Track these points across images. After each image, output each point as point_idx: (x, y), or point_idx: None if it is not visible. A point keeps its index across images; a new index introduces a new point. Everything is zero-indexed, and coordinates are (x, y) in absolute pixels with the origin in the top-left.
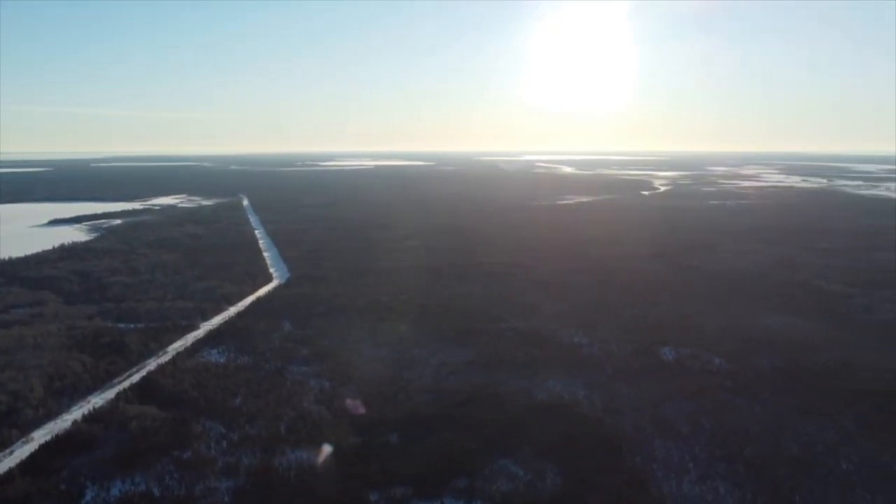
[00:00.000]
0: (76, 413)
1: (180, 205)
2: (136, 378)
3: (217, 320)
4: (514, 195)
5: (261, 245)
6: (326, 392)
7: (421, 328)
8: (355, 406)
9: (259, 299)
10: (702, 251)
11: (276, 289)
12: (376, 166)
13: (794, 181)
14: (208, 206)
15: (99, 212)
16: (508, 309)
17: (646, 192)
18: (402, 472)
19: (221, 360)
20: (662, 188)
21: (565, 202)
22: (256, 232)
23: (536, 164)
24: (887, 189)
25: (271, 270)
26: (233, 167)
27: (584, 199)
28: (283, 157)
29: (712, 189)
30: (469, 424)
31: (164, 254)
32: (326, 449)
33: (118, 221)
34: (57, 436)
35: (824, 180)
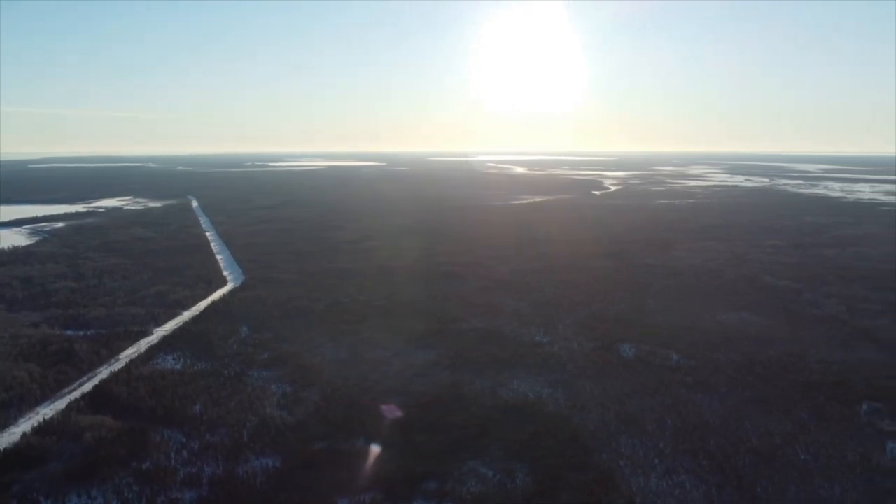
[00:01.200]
0: (25, 425)
1: (126, 207)
2: (87, 387)
3: (171, 325)
4: (468, 195)
5: (213, 248)
6: (289, 397)
7: (382, 330)
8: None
9: (214, 303)
10: (656, 249)
11: (231, 292)
12: (328, 167)
13: (738, 180)
14: (156, 208)
15: (40, 215)
16: (469, 309)
17: (597, 192)
18: (369, 476)
19: (178, 367)
20: (613, 188)
21: (520, 202)
22: (208, 234)
23: (488, 164)
24: (825, 188)
25: (225, 273)
26: (180, 168)
27: (537, 199)
28: (231, 158)
29: (661, 188)
30: (436, 426)
31: (111, 258)
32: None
33: (61, 224)
34: (5, 450)
35: (767, 179)
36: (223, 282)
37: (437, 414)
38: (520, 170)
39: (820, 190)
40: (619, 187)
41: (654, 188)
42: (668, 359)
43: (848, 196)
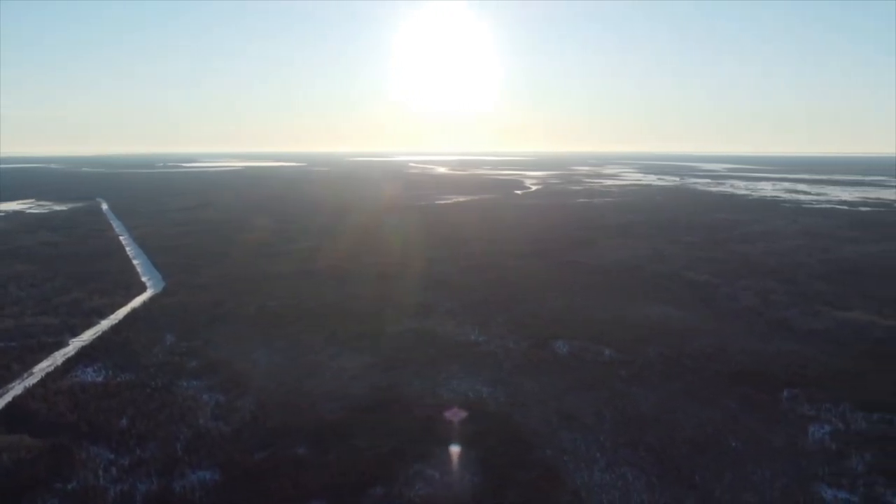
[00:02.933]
0: None
1: (29, 210)
2: (0, 405)
3: (88, 335)
4: (392, 195)
5: (129, 252)
6: (223, 406)
7: (315, 333)
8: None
9: (134, 311)
10: (579, 247)
11: (152, 299)
12: (246, 167)
13: (651, 179)
14: (62, 211)
15: None
16: (402, 309)
17: (519, 192)
18: (314, 485)
19: (99, 379)
20: (534, 187)
21: (444, 202)
22: (122, 238)
23: (410, 164)
24: (731, 186)
25: (144, 279)
26: (85, 169)
27: (461, 199)
28: (141, 159)
29: (580, 188)
30: (378, 430)
31: (16, 264)
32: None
33: None
34: None
35: (677, 178)
36: (142, 288)
37: (379, 417)
38: (442, 170)
39: (727, 188)
40: (539, 187)
41: (573, 187)
42: (601, 354)
43: (752, 194)
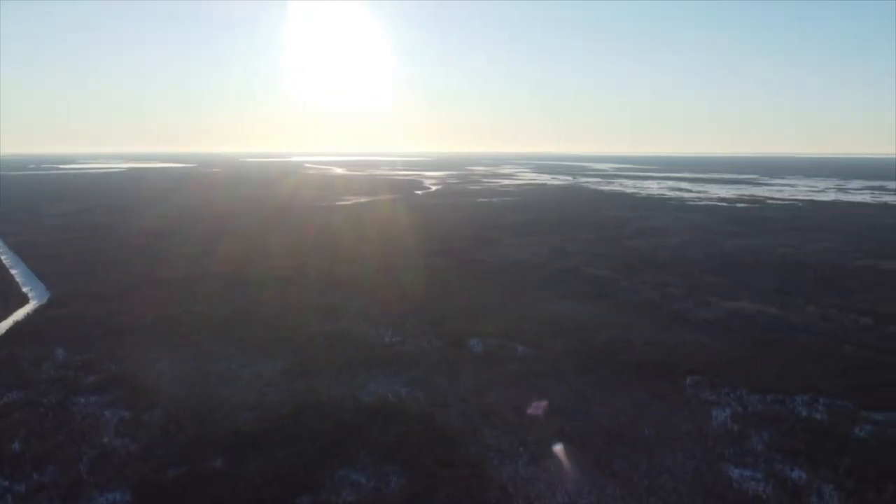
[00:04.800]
0: None
1: None
2: None
3: None
4: (291, 197)
5: (4, 261)
6: (128, 422)
7: (223, 341)
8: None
9: (17, 324)
10: (483, 245)
11: (36, 311)
12: (131, 169)
13: (546, 179)
14: None
15: None
16: (312, 312)
17: (419, 192)
18: (235, 499)
19: None
20: (434, 188)
21: (345, 203)
22: None
23: (307, 165)
24: (620, 185)
25: (25, 290)
26: None
27: (362, 200)
28: (9, 160)
29: (478, 187)
30: (300, 437)
31: None
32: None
33: None
34: None
35: (570, 178)
36: (24, 300)
37: (299, 424)
38: (340, 171)
39: (616, 187)
40: (439, 187)
41: (471, 187)
42: (514, 350)
43: (640, 192)
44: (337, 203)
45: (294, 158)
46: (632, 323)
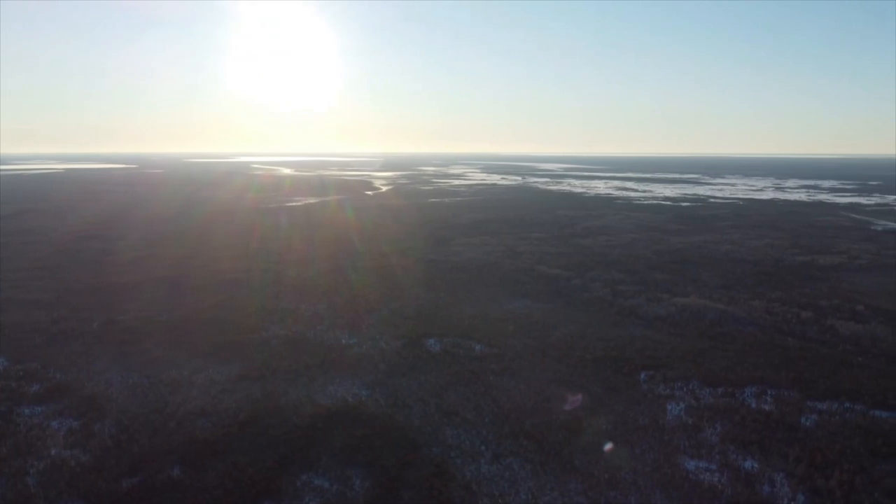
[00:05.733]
0: None
1: None
2: None
3: None
4: (239, 198)
5: None
6: (78, 432)
7: (174, 346)
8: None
9: None
10: (436, 245)
11: None
12: (67, 170)
13: (496, 179)
14: None
15: None
16: (266, 316)
17: (370, 192)
18: None
19: None
20: (384, 188)
21: (295, 204)
22: None
23: (254, 166)
24: (569, 184)
25: None
26: None
27: (311, 201)
28: None
29: (429, 188)
30: (259, 443)
31: None
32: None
33: None
34: None
35: (519, 178)
36: None
37: (257, 430)
38: (288, 171)
39: (565, 186)
40: (389, 187)
41: (422, 187)
42: (471, 349)
43: (588, 192)
44: (286, 204)
45: (241, 159)
46: (585, 320)
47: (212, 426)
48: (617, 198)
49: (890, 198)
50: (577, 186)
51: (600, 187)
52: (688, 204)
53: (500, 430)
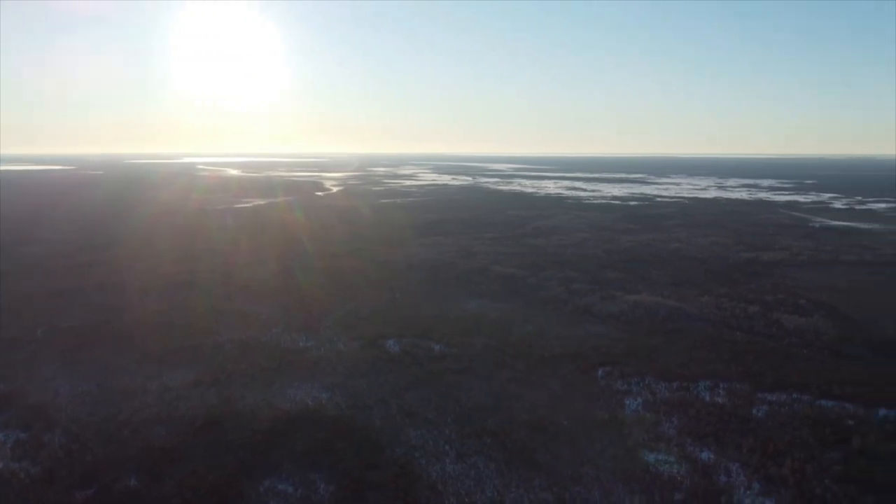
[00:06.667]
0: None
1: None
2: None
3: None
4: (187, 199)
5: None
6: (26, 444)
7: (126, 353)
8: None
9: None
10: (391, 246)
11: None
12: (0, 172)
13: (447, 179)
14: None
15: None
16: (219, 319)
17: (320, 193)
18: None
19: None
20: (335, 189)
21: (244, 205)
22: None
23: (199, 167)
24: (519, 185)
25: None
26: None
27: (261, 202)
28: None
29: (380, 188)
30: (218, 449)
31: None
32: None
33: None
34: None
35: (470, 178)
36: None
37: (215, 436)
38: (235, 172)
39: (515, 187)
40: (340, 188)
41: (374, 188)
42: (431, 349)
43: (539, 191)
44: (233, 206)
45: (186, 160)
46: (541, 318)
47: (168, 433)
48: (567, 197)
49: (825, 196)
50: (527, 186)
51: (550, 187)
52: (636, 203)
53: (462, 429)
